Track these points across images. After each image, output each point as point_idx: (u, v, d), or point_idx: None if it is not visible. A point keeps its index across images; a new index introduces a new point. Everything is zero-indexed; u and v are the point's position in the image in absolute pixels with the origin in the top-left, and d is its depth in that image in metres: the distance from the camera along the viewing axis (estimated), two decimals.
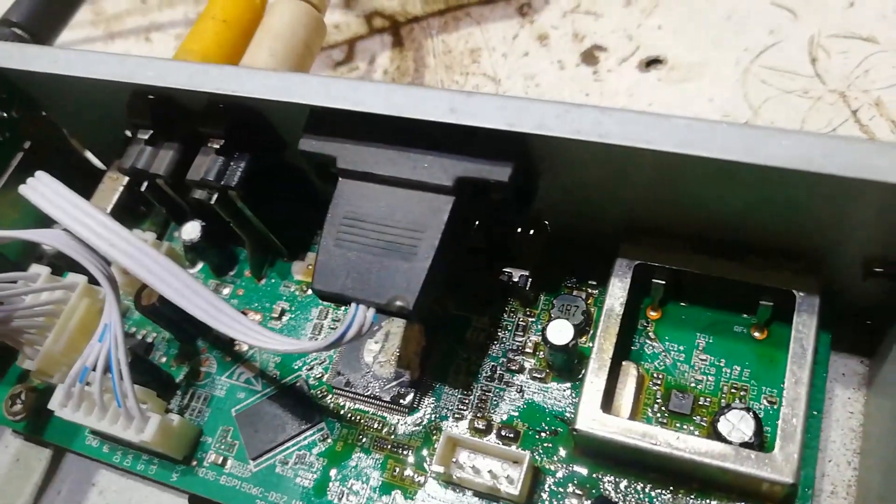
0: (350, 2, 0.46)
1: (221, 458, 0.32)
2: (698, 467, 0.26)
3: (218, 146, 0.31)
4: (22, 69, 0.32)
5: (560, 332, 0.29)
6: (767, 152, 0.23)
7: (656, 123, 0.24)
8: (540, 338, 0.31)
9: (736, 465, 0.26)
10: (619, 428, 0.27)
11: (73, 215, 0.27)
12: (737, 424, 0.27)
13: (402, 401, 0.31)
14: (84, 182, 0.38)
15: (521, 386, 0.31)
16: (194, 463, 0.33)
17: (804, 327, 0.27)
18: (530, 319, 0.32)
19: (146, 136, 0.33)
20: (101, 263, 0.30)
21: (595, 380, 0.28)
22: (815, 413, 0.28)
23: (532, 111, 0.25)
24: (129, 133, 0.33)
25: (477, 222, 0.30)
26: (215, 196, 0.32)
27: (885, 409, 0.27)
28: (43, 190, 0.28)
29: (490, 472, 0.28)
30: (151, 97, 0.32)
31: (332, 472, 0.31)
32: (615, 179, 0.27)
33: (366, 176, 0.28)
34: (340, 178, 0.29)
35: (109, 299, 0.30)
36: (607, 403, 0.28)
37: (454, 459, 0.29)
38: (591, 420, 0.27)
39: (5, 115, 0.36)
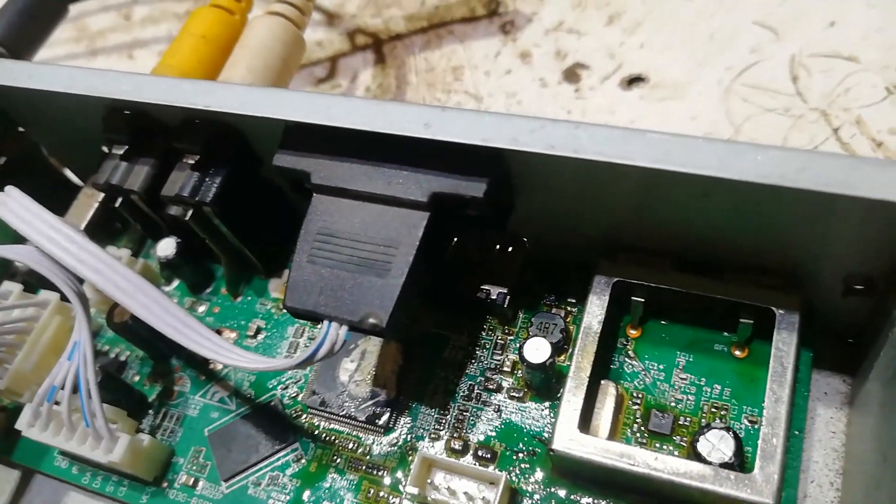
0: (333, 19, 0.46)
1: (193, 479, 0.32)
2: (677, 488, 0.26)
3: (193, 161, 0.31)
4: None
5: (537, 350, 0.28)
6: (742, 167, 0.22)
7: (630, 139, 0.24)
8: (518, 356, 0.31)
9: (715, 486, 0.25)
10: (597, 448, 0.26)
11: (41, 231, 0.27)
12: (717, 444, 0.27)
13: (377, 420, 0.31)
14: (63, 199, 0.38)
15: (499, 405, 0.30)
16: (165, 484, 0.32)
17: (784, 345, 0.27)
18: (509, 338, 0.32)
19: (121, 152, 0.32)
20: (72, 280, 0.30)
21: (572, 399, 0.27)
22: (797, 433, 0.28)
23: (506, 126, 0.25)
24: (105, 149, 0.33)
25: (454, 239, 0.29)
26: (190, 212, 0.31)
27: (868, 428, 0.27)
28: (11, 205, 0.27)
29: (466, 493, 0.28)
30: (127, 112, 0.31)
31: (306, 495, 0.30)
32: (592, 195, 0.27)
33: (340, 192, 0.28)
34: (315, 194, 0.28)
35: (79, 317, 0.29)
36: (585, 423, 0.28)
37: (429, 480, 0.28)
38: (568, 440, 0.27)
39: None
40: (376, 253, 0.27)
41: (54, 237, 0.27)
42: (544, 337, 0.28)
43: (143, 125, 0.32)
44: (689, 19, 0.42)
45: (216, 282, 0.36)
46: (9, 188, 0.28)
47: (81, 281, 0.30)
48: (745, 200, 0.24)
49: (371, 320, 0.26)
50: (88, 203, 0.35)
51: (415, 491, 0.28)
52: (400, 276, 0.26)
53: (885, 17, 0.39)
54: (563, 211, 0.29)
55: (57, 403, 0.30)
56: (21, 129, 0.37)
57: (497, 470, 0.28)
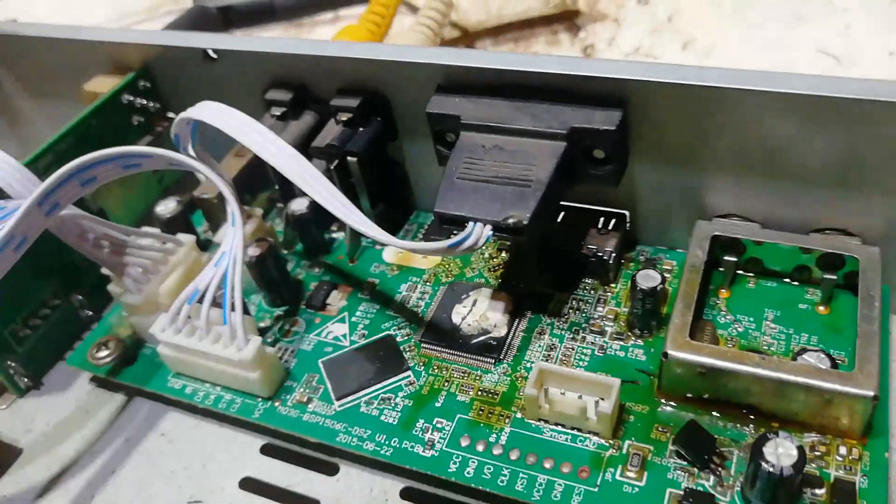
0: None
1: (306, 398, 0.33)
2: (783, 389, 0.28)
3: (346, 118, 0.36)
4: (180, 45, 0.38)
5: (648, 278, 0.32)
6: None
7: (741, 74, 0.29)
8: (619, 308, 0.34)
9: (821, 381, 0.28)
10: (709, 351, 0.29)
11: (238, 128, 0.31)
12: (815, 362, 0.29)
13: (489, 352, 0.33)
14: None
15: (603, 345, 0.33)
16: (277, 403, 0.33)
17: (870, 277, 0.30)
18: (609, 295, 0.35)
19: (279, 113, 0.37)
20: (232, 189, 0.33)
21: (682, 315, 0.30)
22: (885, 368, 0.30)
23: (633, 66, 0.31)
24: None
25: (575, 185, 0.33)
26: (336, 162, 0.36)
27: None
28: (208, 111, 0.32)
29: (580, 397, 0.30)
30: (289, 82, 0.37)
31: (418, 412, 0.32)
32: (706, 137, 0.31)
33: (487, 129, 0.32)
34: (462, 133, 0.33)
35: (236, 220, 0.33)
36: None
37: (545, 387, 0.30)
38: (680, 345, 0.29)
39: (144, 102, 0.41)
40: (518, 172, 0.31)
41: (249, 133, 0.31)
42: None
43: (301, 93, 0.37)
44: (756, 46, 0.48)
45: (335, 250, 0.40)
46: (203, 102, 0.33)
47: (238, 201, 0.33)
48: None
49: (512, 219, 0.30)
50: (238, 163, 0.40)
51: (533, 393, 0.30)
52: (540, 188, 0.30)
53: None
54: (669, 177, 0.33)
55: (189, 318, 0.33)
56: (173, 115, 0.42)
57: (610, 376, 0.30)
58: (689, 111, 0.31)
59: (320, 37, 0.55)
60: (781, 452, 0.26)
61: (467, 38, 0.52)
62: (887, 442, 0.28)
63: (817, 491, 0.27)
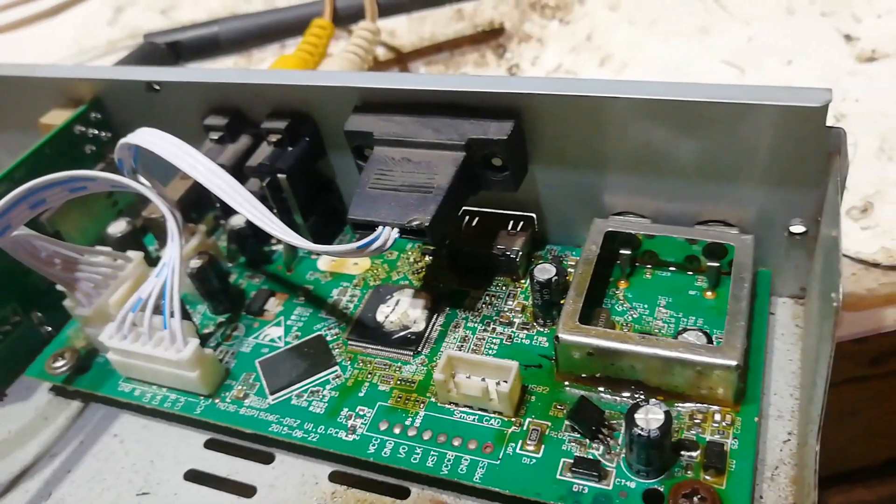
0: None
1: (243, 394, 0.36)
2: (662, 365, 0.31)
3: (275, 140, 0.39)
4: (125, 79, 0.42)
5: (544, 271, 0.35)
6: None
7: (618, 83, 0.33)
8: (527, 302, 0.37)
9: (691, 355, 0.31)
10: (596, 333, 0.32)
11: (173, 153, 0.34)
12: (693, 340, 0.32)
13: (408, 346, 0.36)
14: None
15: (511, 335, 0.36)
16: (217, 400, 0.36)
17: (742, 263, 0.34)
18: (518, 290, 0.38)
19: (217, 137, 0.41)
20: (172, 209, 0.36)
21: (573, 301, 0.33)
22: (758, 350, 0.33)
23: (523, 81, 0.34)
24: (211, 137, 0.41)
25: (477, 191, 0.37)
26: (268, 180, 0.39)
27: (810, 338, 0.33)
28: (143, 136, 0.35)
29: (483, 379, 0.33)
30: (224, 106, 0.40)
31: (343, 402, 0.35)
32: (595, 144, 0.35)
33: (396, 143, 0.36)
34: (375, 148, 0.36)
35: (173, 238, 0.36)
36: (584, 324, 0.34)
37: (453, 374, 0.33)
38: (570, 329, 0.33)
39: (95, 132, 0.44)
40: (422, 180, 0.34)
41: (181, 155, 0.34)
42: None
43: (237, 118, 0.41)
44: (667, 59, 0.52)
45: (274, 261, 0.43)
46: (140, 129, 0.36)
47: (179, 214, 0.37)
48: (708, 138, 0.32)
49: (416, 222, 0.33)
50: (184, 185, 0.43)
51: (441, 377, 0.33)
52: (440, 194, 0.34)
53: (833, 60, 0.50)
54: (567, 180, 0.37)
55: (134, 325, 0.36)
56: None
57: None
58: (573, 119, 0.34)
59: (267, 66, 0.59)
60: (651, 417, 0.29)
61: (402, 61, 0.56)
62: (758, 409, 0.32)
63: (692, 454, 0.30)
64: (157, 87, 0.42)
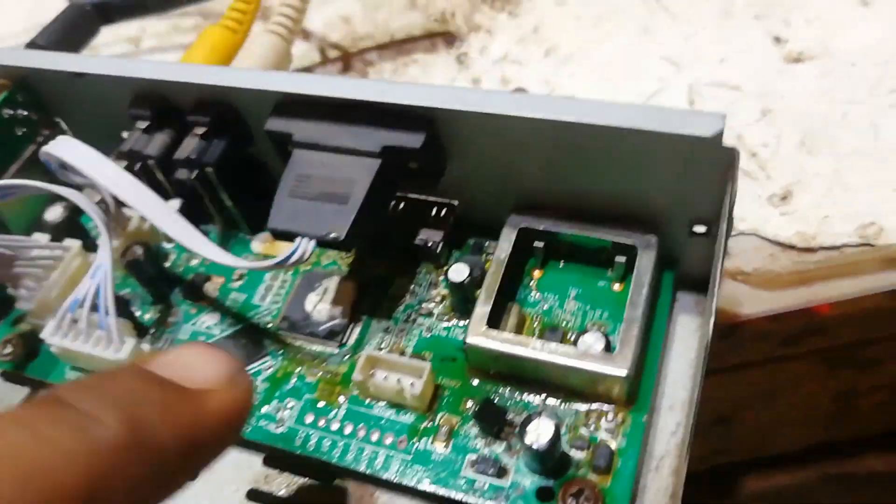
0: (307, 35, 0.58)
1: None
2: (558, 370, 0.34)
3: (201, 132, 0.40)
4: (47, 68, 0.41)
5: (458, 272, 0.37)
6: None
7: (530, 99, 0.33)
8: (446, 292, 0.39)
9: (583, 363, 0.33)
10: (500, 339, 0.35)
11: (90, 164, 0.35)
12: (593, 343, 0.35)
13: (333, 337, 0.39)
14: None
15: (430, 326, 0.38)
16: None
17: (643, 266, 0.35)
18: (440, 278, 0.40)
19: (143, 127, 0.41)
20: (100, 213, 0.38)
21: (483, 306, 0.36)
22: (657, 348, 0.36)
23: (439, 92, 0.35)
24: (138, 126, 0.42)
25: (397, 190, 0.38)
26: (196, 173, 0.40)
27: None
28: (62, 145, 0.36)
29: (398, 380, 0.36)
30: (150, 95, 0.41)
31: (273, 394, 0.38)
32: (507, 155, 0.36)
33: (314, 146, 0.37)
34: (295, 150, 0.37)
35: (104, 242, 0.37)
36: (493, 329, 0.36)
37: (371, 373, 0.36)
38: (478, 335, 0.35)
39: (25, 113, 0.45)
40: (340, 188, 0.36)
41: (101, 170, 0.35)
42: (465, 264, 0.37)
43: (163, 107, 0.41)
44: (609, 53, 0.54)
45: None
46: (60, 137, 0.37)
47: (108, 214, 0.38)
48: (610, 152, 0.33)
49: (332, 234, 0.35)
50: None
51: (360, 378, 0.35)
52: (356, 204, 0.35)
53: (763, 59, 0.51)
54: (486, 175, 0.38)
55: (75, 321, 0.38)
56: (56, 118, 0.46)
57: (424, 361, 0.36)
58: (479, 131, 0.35)
59: (190, 25, 0.59)
60: (541, 430, 0.32)
61: (350, 55, 0.56)
62: (648, 408, 0.34)
63: (584, 453, 0.33)
64: (81, 73, 0.42)
